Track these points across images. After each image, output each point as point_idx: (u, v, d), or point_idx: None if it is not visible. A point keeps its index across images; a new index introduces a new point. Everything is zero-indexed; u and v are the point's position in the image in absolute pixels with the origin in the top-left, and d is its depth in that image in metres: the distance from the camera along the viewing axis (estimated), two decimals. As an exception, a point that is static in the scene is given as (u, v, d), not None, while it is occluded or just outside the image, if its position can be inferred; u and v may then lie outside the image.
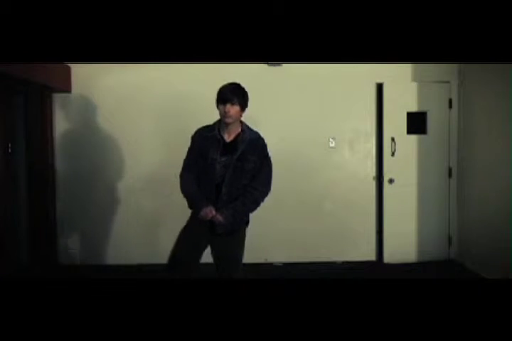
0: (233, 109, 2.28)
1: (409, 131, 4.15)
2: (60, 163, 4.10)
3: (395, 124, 4.10)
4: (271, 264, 4.11)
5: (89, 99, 4.07)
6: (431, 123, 4.18)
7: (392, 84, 4.07)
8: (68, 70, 4.01)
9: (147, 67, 3.93)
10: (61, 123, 4.09)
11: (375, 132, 4.22)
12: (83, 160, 4.11)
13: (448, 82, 4.17)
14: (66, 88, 3.98)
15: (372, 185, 4.24)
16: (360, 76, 4.12)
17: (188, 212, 2.49)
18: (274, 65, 4.06)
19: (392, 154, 4.11)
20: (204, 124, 2.46)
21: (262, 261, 4.09)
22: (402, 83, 4.12)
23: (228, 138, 2.36)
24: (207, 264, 2.50)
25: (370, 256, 4.25)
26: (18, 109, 3.88)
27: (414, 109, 4.14)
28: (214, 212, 2.30)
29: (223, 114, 2.30)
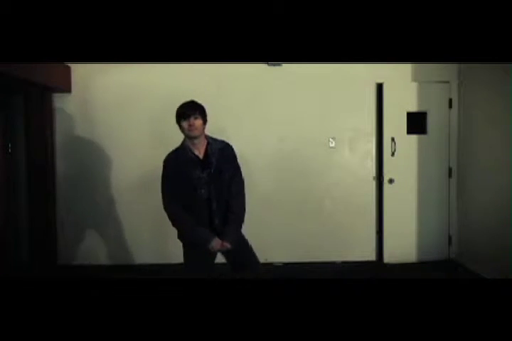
0: (197, 122, 2.32)
1: (409, 131, 4.15)
2: (60, 163, 4.11)
3: (395, 124, 4.10)
4: (271, 264, 4.11)
5: (89, 99, 4.07)
6: (431, 123, 4.18)
7: (392, 84, 4.07)
8: (68, 70, 4.01)
9: (147, 67, 3.94)
10: (61, 123, 4.09)
11: (375, 132, 4.22)
12: (83, 160, 4.11)
13: (448, 82, 4.17)
14: (66, 88, 3.98)
15: (372, 185, 4.24)
16: (360, 76, 4.12)
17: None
18: (274, 65, 4.07)
19: (392, 154, 4.11)
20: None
21: (262, 261, 4.07)
22: (402, 83, 4.12)
23: (200, 154, 2.38)
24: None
25: (370, 256, 4.25)
26: (18, 109, 3.89)
27: (414, 109, 4.14)
28: (221, 242, 2.35)
29: (188, 128, 2.31)
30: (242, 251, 2.51)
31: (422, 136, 4.18)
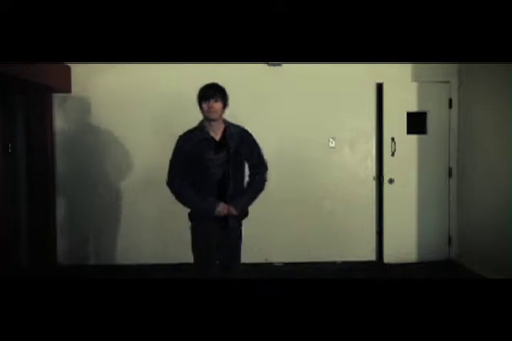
0: (217, 105, 2.36)
1: (409, 131, 4.15)
2: (60, 163, 4.10)
3: (395, 124, 4.10)
4: (271, 264, 4.11)
5: (89, 99, 4.07)
6: (431, 123, 4.18)
7: (392, 84, 4.07)
8: (68, 70, 4.01)
9: (147, 67, 3.93)
10: (61, 123, 4.08)
11: (375, 132, 4.22)
12: (83, 160, 4.11)
13: (448, 82, 4.17)
14: (66, 88, 3.98)
15: (372, 185, 4.24)
16: (360, 76, 4.12)
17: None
18: (274, 65, 4.06)
19: (392, 154, 4.11)
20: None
21: (262, 261, 4.08)
22: (402, 83, 4.12)
23: (216, 136, 2.40)
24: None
25: (370, 256, 4.25)
26: (18, 109, 3.88)
27: (414, 109, 4.14)
28: (227, 207, 2.36)
29: (207, 110, 2.35)
30: (233, 247, 2.50)
31: (422, 136, 4.18)
